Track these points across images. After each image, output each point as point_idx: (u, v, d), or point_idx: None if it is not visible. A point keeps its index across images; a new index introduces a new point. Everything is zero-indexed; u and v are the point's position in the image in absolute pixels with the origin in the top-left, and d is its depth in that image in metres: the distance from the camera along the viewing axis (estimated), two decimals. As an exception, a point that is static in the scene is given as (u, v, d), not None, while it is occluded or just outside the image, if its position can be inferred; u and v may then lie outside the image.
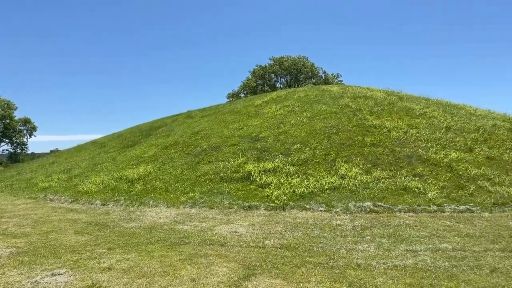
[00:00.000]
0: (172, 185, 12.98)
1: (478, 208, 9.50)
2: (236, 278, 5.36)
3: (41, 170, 21.93)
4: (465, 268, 5.54)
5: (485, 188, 10.64)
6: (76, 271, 5.87)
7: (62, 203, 13.21)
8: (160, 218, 9.83)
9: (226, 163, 13.95)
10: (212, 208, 10.59)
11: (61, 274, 5.77)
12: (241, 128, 17.91)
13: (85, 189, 14.21)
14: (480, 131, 15.32)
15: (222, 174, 13.00)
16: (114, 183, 14.24)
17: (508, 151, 13.50)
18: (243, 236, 7.75)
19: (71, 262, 6.32)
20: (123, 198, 12.53)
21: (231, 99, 47.81)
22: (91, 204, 12.51)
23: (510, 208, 9.52)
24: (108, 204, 12.19)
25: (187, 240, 7.54)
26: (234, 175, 12.79)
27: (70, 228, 9.09)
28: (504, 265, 5.63)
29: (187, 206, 11.03)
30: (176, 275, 5.60)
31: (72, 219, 10.22)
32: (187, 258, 6.38)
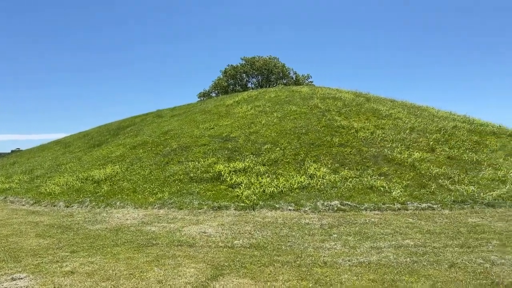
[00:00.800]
0: (140, 186, 12.74)
1: (439, 205, 9.93)
2: (204, 279, 5.33)
3: (1, 171, 20.90)
4: (425, 263, 5.77)
5: (446, 187, 11.14)
6: (37, 275, 5.65)
7: (23, 205, 12.65)
8: (127, 219, 9.62)
9: (196, 163, 13.84)
10: (181, 208, 10.48)
11: (21, 278, 5.54)
12: (212, 128, 17.83)
13: (48, 190, 13.68)
14: (442, 132, 16.01)
15: (192, 175, 12.88)
16: (79, 184, 13.80)
17: (467, 151, 14.17)
18: (212, 236, 7.72)
19: (32, 266, 6.07)
20: (88, 199, 12.16)
21: (202, 99, 47.43)
22: (54, 206, 12.07)
23: (468, 205, 10.01)
24: (73, 206, 11.80)
25: (155, 242, 7.43)
26: (204, 175, 12.72)
27: (31, 231, 8.73)
28: (462, 260, 5.91)
29: (155, 207, 10.85)
30: (142, 277, 5.51)
31: (34, 222, 9.82)
32: (154, 260, 6.28)
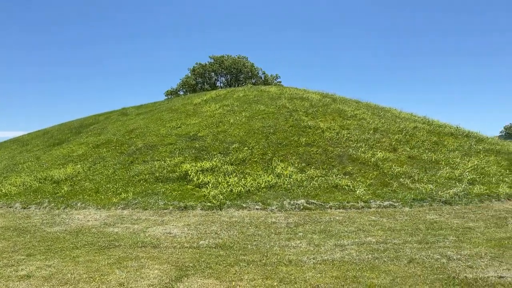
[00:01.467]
0: (103, 186, 12.33)
1: (400, 203, 10.29)
2: (168, 280, 5.23)
3: (-50, 171, 19.53)
4: (386, 259, 5.96)
5: (406, 185, 11.56)
6: (-13, 281, 5.32)
7: (-26, 207, 11.89)
8: (88, 221, 9.28)
9: (162, 162, 13.57)
10: (146, 209, 10.23)
11: (-31, 286, 5.20)
12: (179, 127, 17.55)
13: (4, 191, 12.95)
14: (403, 133, 16.61)
15: (157, 174, 12.62)
16: (37, 184, 13.16)
17: (426, 151, 14.79)
18: (177, 237, 7.59)
19: (-18, 272, 5.72)
20: (47, 200, 11.63)
21: (169, 97, 46.60)
22: (10, 207, 11.44)
23: (427, 203, 10.44)
24: (30, 207, 11.23)
25: (117, 243, 7.21)
26: (170, 175, 12.49)
27: (-18, 235, 8.21)
28: (420, 256, 6.15)
29: (119, 207, 10.54)
30: (103, 280, 5.33)
31: (-14, 225, 9.26)
32: (116, 262, 6.10)
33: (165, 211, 10.00)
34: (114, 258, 6.29)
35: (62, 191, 12.25)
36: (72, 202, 11.28)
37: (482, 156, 15.08)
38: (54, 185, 12.93)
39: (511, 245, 6.63)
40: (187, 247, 6.89)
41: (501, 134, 56.59)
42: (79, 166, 14.51)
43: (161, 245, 7.04)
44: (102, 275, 5.53)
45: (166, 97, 47.73)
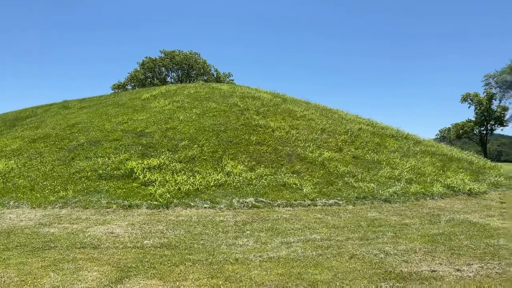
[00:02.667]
0: (40, 184, 11.51)
1: (344, 201, 10.70)
2: (107, 283, 4.98)
3: None
4: (329, 256, 6.15)
5: (350, 184, 12.05)
6: None
7: None
8: (21, 220, 8.60)
9: (106, 159, 12.95)
10: (87, 208, 9.70)
11: None
12: (126, 122, 16.86)
13: None
14: (349, 134, 17.30)
15: (100, 171, 12.02)
16: (-37, 181, 11.96)
17: (370, 151, 15.52)
18: (120, 236, 7.27)
19: None
20: (-26, 198, 10.61)
21: (116, 91, 44.69)
22: None
23: (369, 201, 10.96)
24: (-47, 207, 10.18)
25: (53, 244, 6.75)
26: (115, 172, 11.96)
27: None
28: (361, 251, 6.42)
29: (56, 206, 9.89)
30: (35, 284, 4.96)
31: None
32: (51, 264, 5.70)
33: (108, 210, 9.55)
34: (49, 260, 5.89)
35: (-8, 188, 11.25)
36: (4, 200, 10.41)
37: (419, 157, 16.14)
38: (-17, 182, 11.84)
39: (443, 241, 7.14)
40: (130, 247, 6.62)
41: (436, 137, 61.09)
42: (12, 161, 13.42)
43: (102, 245, 6.70)
44: (35, 278, 5.14)
45: (112, 91, 45.70)
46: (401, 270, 5.51)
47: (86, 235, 7.35)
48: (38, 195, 10.72)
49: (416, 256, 6.17)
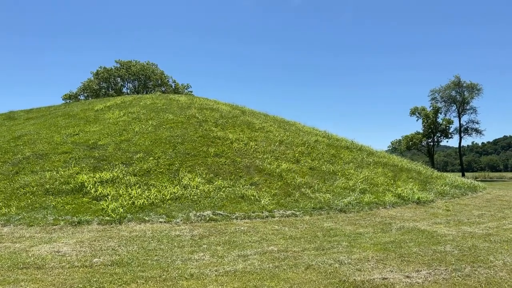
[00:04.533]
0: (-22, 200, 10.62)
1: (301, 212, 10.83)
2: (51, 306, 4.64)
3: None
4: (285, 267, 6.16)
5: (307, 195, 12.24)
6: None
7: None
8: (-45, 241, 7.86)
9: (54, 173, 12.25)
10: (32, 225, 9.06)
11: None
12: (77, 134, 16.11)
13: None
14: (306, 145, 17.66)
15: (47, 186, 11.33)
16: None
17: (326, 163, 15.92)
18: (67, 255, 6.84)
19: None
20: None
21: (67, 101, 42.71)
22: None
23: (325, 211, 11.17)
24: None
25: (-9, 266, 6.21)
26: (64, 186, 11.32)
27: None
28: (316, 262, 6.49)
29: (-3, 224, 9.15)
30: (-33, 312, 4.51)
31: None
32: (-13, 289, 5.23)
33: (54, 227, 8.98)
34: (-15, 284, 5.40)
35: None
36: None
37: (372, 168, 16.78)
38: None
39: (393, 248, 7.41)
40: (77, 266, 6.24)
41: (388, 148, 64.03)
42: None
43: (46, 265, 6.26)
44: (-34, 306, 4.68)
45: (63, 101, 43.64)
46: (354, 279, 5.62)
47: (30, 255, 6.84)
48: (-25, 213, 9.87)
49: (369, 265, 6.34)
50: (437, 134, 58.31)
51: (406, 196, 13.41)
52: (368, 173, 15.70)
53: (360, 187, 13.58)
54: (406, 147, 59.21)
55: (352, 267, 6.18)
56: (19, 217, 9.55)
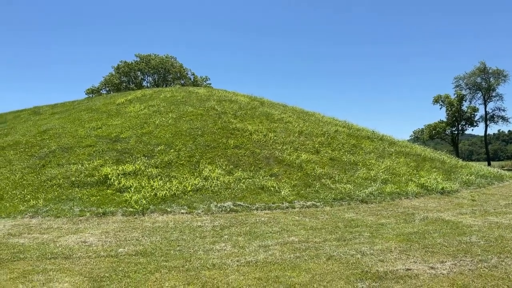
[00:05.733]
0: (9, 193, 11.05)
1: (322, 203, 10.78)
2: (79, 294, 4.80)
3: None
4: (306, 258, 6.15)
5: (328, 185, 12.16)
6: None
7: None
8: (-12, 232, 8.21)
9: (79, 166, 12.58)
10: (59, 217, 9.37)
11: None
12: (100, 128, 16.47)
13: None
14: (326, 136, 17.49)
15: (73, 179, 11.66)
16: None
17: (346, 153, 15.73)
18: (93, 245, 7.05)
19: None
20: None
21: (90, 96, 43.66)
22: None
23: (346, 202, 11.08)
24: None
25: (23, 255, 6.47)
26: (88, 179, 11.63)
27: None
28: (338, 252, 6.46)
29: (26, 216, 9.51)
30: (1, 299, 4.72)
31: None
32: (20, 276, 5.46)
33: (81, 218, 9.26)
34: (18, 272, 5.63)
35: (-43, 199, 10.72)
36: (-31, 211, 9.92)
37: (394, 157, 16.48)
38: None
39: (417, 239, 7.28)
40: (103, 256, 6.42)
41: (410, 137, 62.67)
42: (-21, 170, 12.84)
43: (73, 255, 6.47)
44: (0, 293, 4.90)
45: (86, 96, 44.63)
46: (377, 270, 5.57)
47: (57, 245, 7.08)
48: (7, 204, 10.29)
49: (392, 255, 6.26)
50: (462, 123, 56.71)
51: (430, 186, 13.13)
52: (390, 163, 15.43)
53: (382, 177, 13.38)
54: (429, 136, 57.87)
55: (374, 258, 6.12)
56: (47, 208, 9.88)
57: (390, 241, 7.12)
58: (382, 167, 14.66)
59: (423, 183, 13.35)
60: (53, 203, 10.24)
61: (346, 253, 6.40)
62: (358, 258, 6.13)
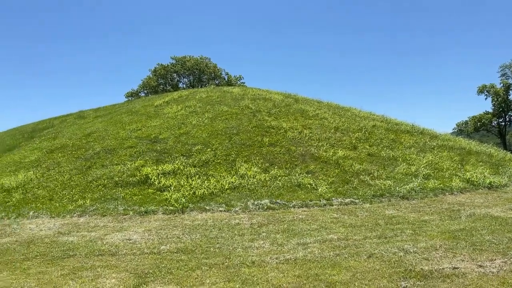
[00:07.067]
0: (58, 193, 11.71)
1: (360, 200, 10.55)
2: (126, 289, 5.02)
3: None
4: (346, 256, 6.06)
5: (366, 182, 11.88)
6: None
7: None
8: (41, 230, 8.76)
9: (122, 166, 13.11)
10: (105, 215, 9.83)
11: None
12: (139, 129, 17.05)
13: None
14: (363, 131, 17.09)
15: (116, 179, 12.17)
16: (-15, 194, 12.27)
17: (385, 148, 15.29)
18: (137, 243, 7.33)
19: None
20: (-5, 210, 10.87)
21: (130, 99, 45.33)
22: (-47, 219, 10.58)
23: (386, 198, 10.78)
24: (-24, 219, 10.44)
25: (72, 253, 6.85)
26: (131, 179, 12.09)
27: None
28: (379, 250, 6.30)
29: (75, 215, 10.05)
30: (55, 293, 5.02)
31: None
32: (70, 273, 5.78)
33: (124, 216, 9.65)
34: (68, 269, 5.97)
35: (13, 199, 11.52)
36: (24, 211, 10.63)
37: (436, 152, 15.82)
38: (4, 193, 12.13)
39: (464, 237, 6.96)
40: (147, 253, 6.66)
41: (453, 131, 59.82)
42: (31, 172, 13.71)
43: (119, 252, 6.77)
44: (54, 287, 5.21)
45: (126, 99, 46.37)
46: (421, 268, 5.38)
47: (104, 243, 7.43)
48: (57, 204, 10.91)
49: (437, 253, 6.02)
50: (509, 113, 53.37)
51: (476, 181, 12.49)
52: (432, 157, 14.82)
53: (424, 173, 12.88)
54: (474, 128, 55.01)
55: (418, 256, 5.91)
56: (93, 208, 10.38)
57: (435, 239, 6.85)
58: (424, 162, 14.11)
59: (468, 178, 12.72)
60: (99, 202, 10.74)
61: (388, 251, 6.23)
62: (401, 256, 5.96)
